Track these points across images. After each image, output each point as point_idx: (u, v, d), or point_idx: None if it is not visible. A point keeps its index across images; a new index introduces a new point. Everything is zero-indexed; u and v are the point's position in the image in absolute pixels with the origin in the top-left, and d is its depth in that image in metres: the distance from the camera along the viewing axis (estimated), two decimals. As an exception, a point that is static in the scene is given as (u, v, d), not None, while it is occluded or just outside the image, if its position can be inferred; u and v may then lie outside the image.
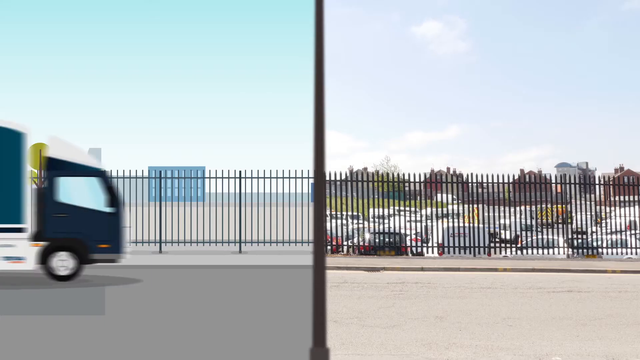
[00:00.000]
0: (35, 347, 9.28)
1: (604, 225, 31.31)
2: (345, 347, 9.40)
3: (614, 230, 27.91)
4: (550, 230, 28.07)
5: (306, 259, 19.85)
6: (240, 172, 23.94)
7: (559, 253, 24.56)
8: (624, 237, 25.67)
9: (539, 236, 25.39)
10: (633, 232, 26.68)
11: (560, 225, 26.34)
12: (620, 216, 27.69)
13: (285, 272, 17.61)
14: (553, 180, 25.75)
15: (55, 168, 16.32)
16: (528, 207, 27.23)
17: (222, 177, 24.10)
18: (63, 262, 16.08)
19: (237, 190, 23.81)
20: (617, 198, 31.11)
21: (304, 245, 23.95)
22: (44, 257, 16.03)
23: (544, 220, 31.68)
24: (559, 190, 26.48)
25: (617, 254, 24.83)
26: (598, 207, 36.38)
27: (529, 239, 25.24)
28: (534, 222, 27.98)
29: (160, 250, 23.52)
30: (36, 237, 16.16)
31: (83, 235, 16.23)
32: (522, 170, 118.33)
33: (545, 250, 24.56)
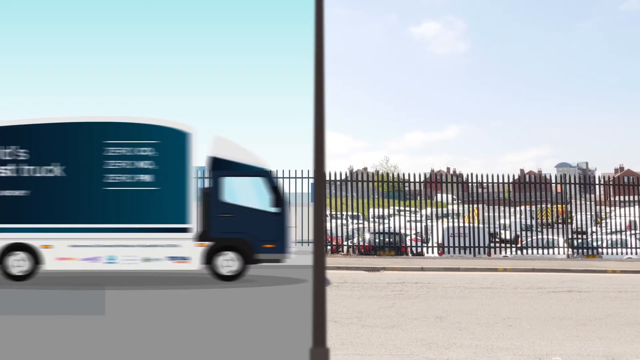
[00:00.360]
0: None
1: (604, 225, 31.31)
2: (345, 347, 9.40)
3: (614, 230, 27.91)
4: (550, 230, 28.06)
5: (306, 259, 19.82)
6: (240, 172, 23.87)
7: (559, 253, 24.55)
8: (624, 237, 25.67)
9: (539, 236, 25.39)
10: (633, 232, 26.67)
11: (560, 225, 26.34)
12: (620, 216, 27.69)
13: (285, 271, 17.59)
14: (553, 180, 25.75)
15: (220, 168, 16.40)
16: (528, 207, 27.24)
17: (222, 177, 24.03)
18: (228, 262, 16.22)
19: (237, 190, 23.76)
20: (617, 198, 31.11)
21: (303, 245, 23.93)
22: (209, 257, 16.16)
23: (544, 220, 31.67)
24: (559, 190, 26.48)
25: (617, 254, 24.83)
26: (598, 207, 36.36)
27: (529, 239, 25.24)
28: (534, 222, 27.97)
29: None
30: (201, 237, 16.25)
31: (248, 235, 16.26)
32: (522, 170, 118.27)
33: (545, 250, 24.56)
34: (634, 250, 24.85)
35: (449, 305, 13.29)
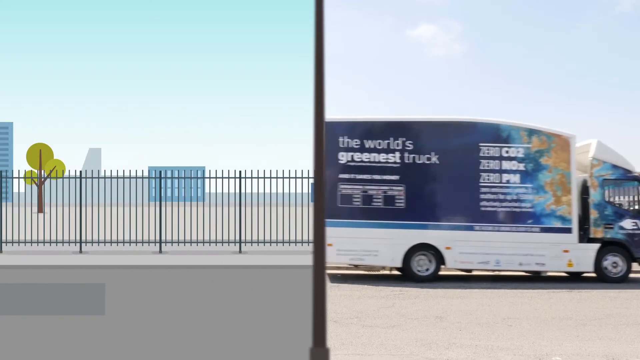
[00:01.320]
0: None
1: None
2: (345, 347, 9.40)
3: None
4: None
5: (306, 259, 19.85)
6: (240, 172, 23.94)
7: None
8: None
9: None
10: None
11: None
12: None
13: (285, 272, 17.60)
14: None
15: (602, 171, 17.11)
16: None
17: (222, 177, 24.10)
18: (614, 264, 16.87)
19: (237, 190, 23.82)
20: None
21: (304, 245, 23.96)
22: (598, 259, 16.78)
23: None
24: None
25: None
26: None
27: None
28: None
29: (160, 250, 23.54)
30: (582, 238, 16.92)
31: (626, 237, 16.91)
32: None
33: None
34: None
35: (448, 305, 13.29)
